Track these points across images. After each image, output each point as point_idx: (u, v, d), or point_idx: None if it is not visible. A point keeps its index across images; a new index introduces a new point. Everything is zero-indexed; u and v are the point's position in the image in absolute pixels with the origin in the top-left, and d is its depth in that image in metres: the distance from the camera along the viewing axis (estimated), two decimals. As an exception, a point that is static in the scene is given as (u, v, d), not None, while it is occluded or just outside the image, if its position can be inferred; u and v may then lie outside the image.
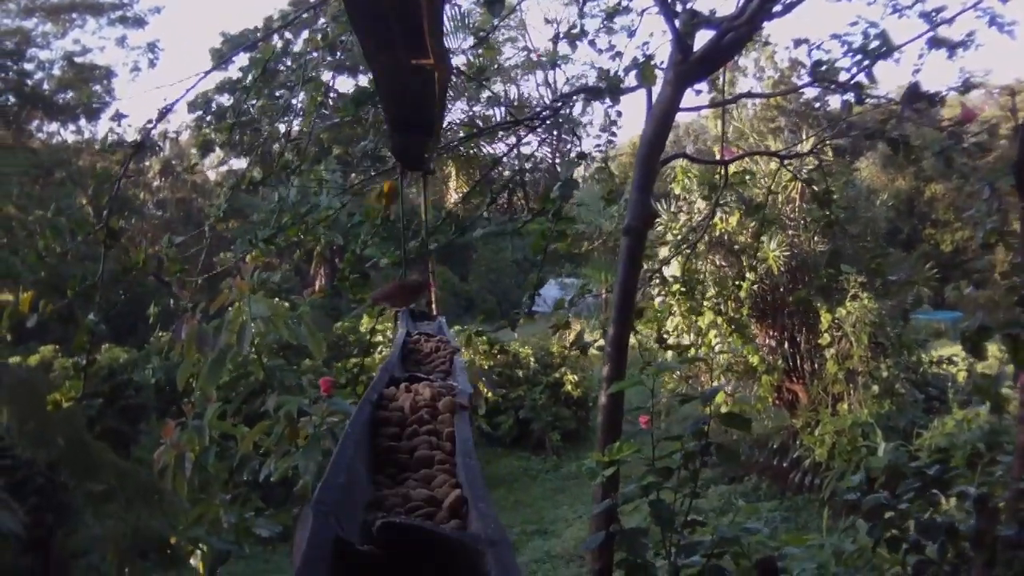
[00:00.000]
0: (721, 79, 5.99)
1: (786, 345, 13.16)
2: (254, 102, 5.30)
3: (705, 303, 9.48)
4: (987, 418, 8.65)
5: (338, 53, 6.04)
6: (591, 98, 4.71)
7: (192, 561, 4.14)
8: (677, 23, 4.43)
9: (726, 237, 12.18)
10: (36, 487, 9.54)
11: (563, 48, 5.37)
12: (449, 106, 15.87)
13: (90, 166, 26.67)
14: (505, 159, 7.34)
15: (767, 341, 13.10)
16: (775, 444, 12.53)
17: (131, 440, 14.08)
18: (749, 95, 13.72)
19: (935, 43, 4.54)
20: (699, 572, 3.35)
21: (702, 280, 9.62)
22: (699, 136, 36.59)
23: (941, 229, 30.61)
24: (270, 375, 4.14)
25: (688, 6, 4.55)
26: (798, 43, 5.04)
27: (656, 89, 4.58)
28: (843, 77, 4.65)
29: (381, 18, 1.91)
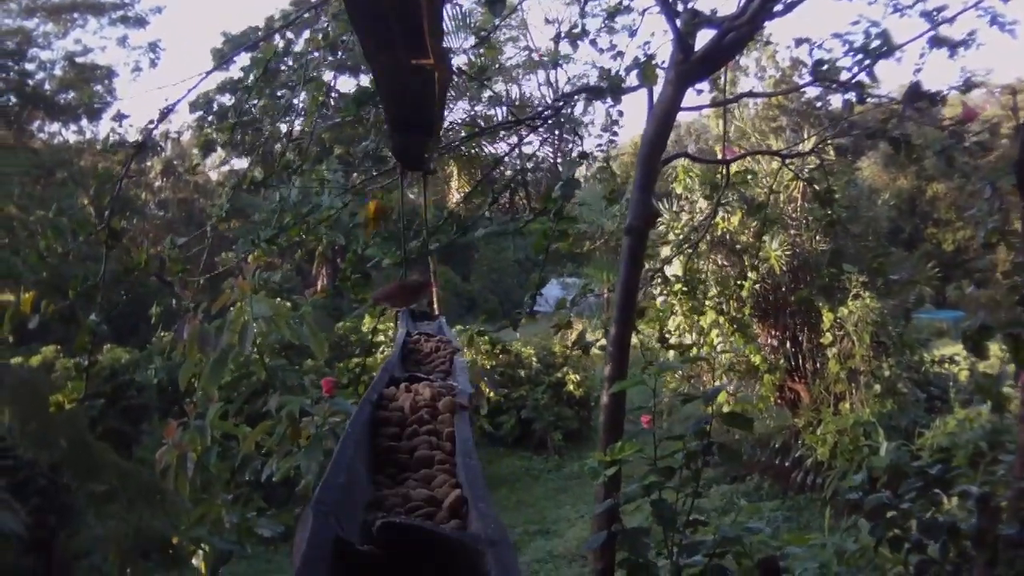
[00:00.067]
0: (722, 78, 5.99)
1: (788, 344, 13.15)
2: (256, 102, 5.30)
3: (707, 303, 9.47)
4: (989, 417, 8.64)
5: (340, 53, 6.03)
6: (592, 98, 4.71)
7: (194, 561, 4.13)
8: (678, 23, 4.43)
9: (728, 236, 12.17)
10: (38, 488, 9.54)
11: (564, 48, 5.36)
12: (451, 106, 15.90)
13: (92, 166, 26.68)
14: (507, 159, 7.33)
15: (769, 340, 13.09)
16: (777, 444, 12.52)
17: (133, 440, 14.09)
18: (751, 94, 13.72)
19: (936, 42, 4.54)
20: (701, 572, 3.35)
21: (704, 280, 9.62)
22: (701, 135, 36.61)
23: (943, 228, 30.63)
24: (272, 375, 4.14)
25: (689, 5, 4.55)
26: (799, 42, 5.04)
27: (657, 89, 4.58)
28: (844, 76, 4.65)
29: (381, 18, 1.91)
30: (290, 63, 5.70)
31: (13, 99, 28.75)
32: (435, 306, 4.01)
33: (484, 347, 15.38)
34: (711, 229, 10.34)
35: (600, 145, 6.08)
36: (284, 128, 6.38)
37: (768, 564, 3.64)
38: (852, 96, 4.65)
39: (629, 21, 5.24)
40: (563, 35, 5.14)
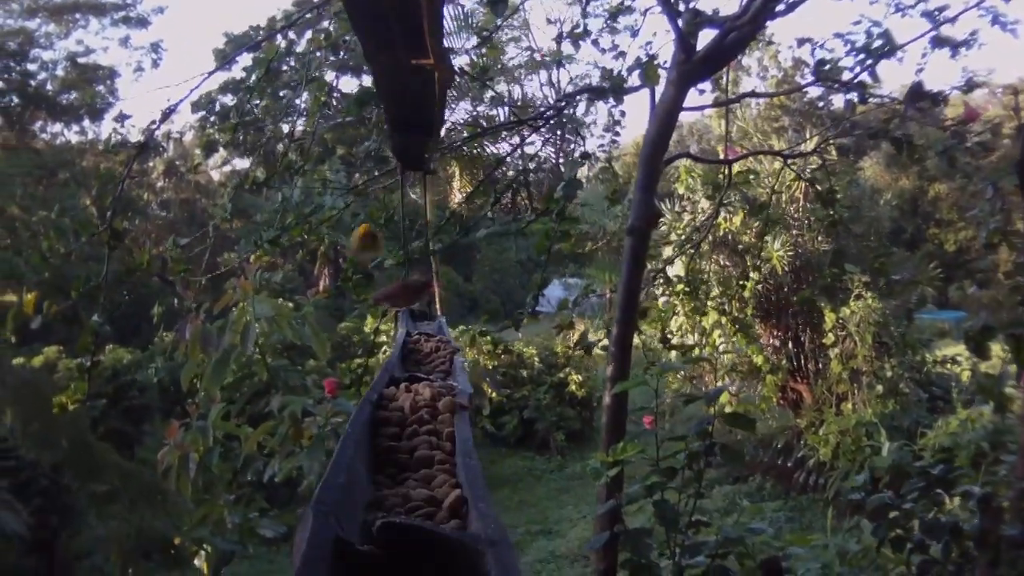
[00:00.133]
0: (724, 78, 5.98)
1: (790, 345, 13.14)
2: (258, 102, 5.29)
3: (709, 303, 9.46)
4: (991, 418, 8.64)
5: (342, 53, 6.03)
6: (594, 98, 4.71)
7: (196, 562, 4.14)
8: (680, 23, 4.43)
9: (730, 237, 12.17)
10: (40, 488, 9.55)
11: (566, 48, 5.35)
12: (453, 106, 15.91)
13: (94, 167, 26.67)
14: (509, 159, 7.35)
15: (771, 341, 13.08)
16: (779, 444, 12.50)
17: (135, 441, 14.12)
18: (752, 94, 13.70)
19: (938, 42, 4.54)
20: (703, 572, 3.35)
21: (706, 280, 9.63)
22: (703, 136, 36.55)
23: (945, 228, 30.59)
24: (274, 375, 4.14)
25: (691, 5, 4.54)
26: (801, 42, 5.04)
27: (659, 89, 4.58)
28: (846, 76, 4.65)
29: (381, 18, 1.90)
30: (292, 63, 5.70)
31: (15, 100, 28.78)
32: (437, 306, 4.01)
33: (486, 347, 15.42)
34: (713, 229, 10.34)
35: (602, 145, 6.10)
36: (286, 128, 6.38)
37: (770, 565, 3.64)
38: (854, 96, 4.65)
39: (631, 21, 5.24)
40: (565, 35, 5.13)
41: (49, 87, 29.71)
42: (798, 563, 5.44)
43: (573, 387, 17.15)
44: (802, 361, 13.11)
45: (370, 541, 1.03)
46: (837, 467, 10.59)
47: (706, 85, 5.31)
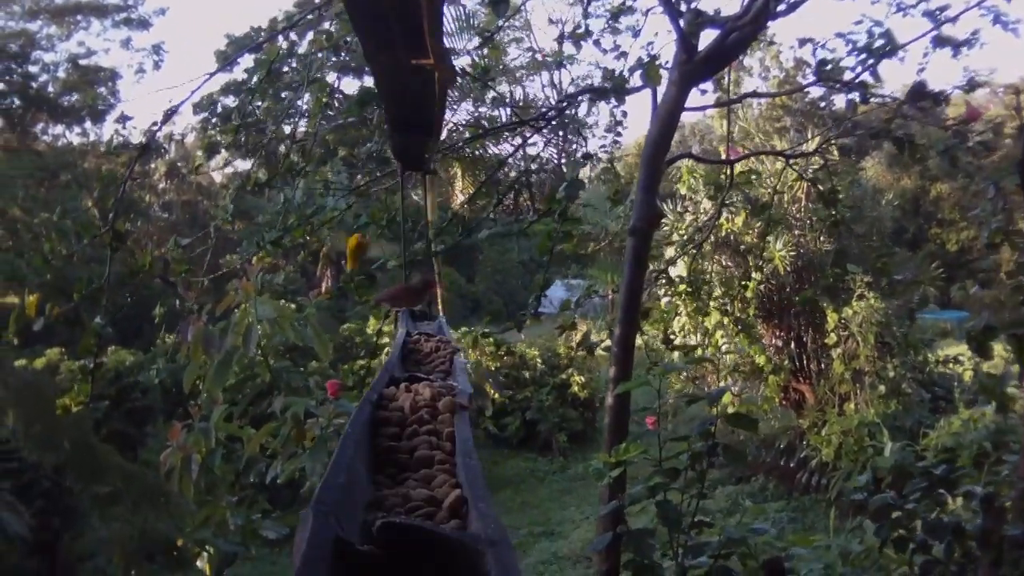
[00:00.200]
0: (726, 79, 5.99)
1: (792, 345, 13.14)
2: (259, 104, 5.30)
3: (711, 303, 9.45)
4: (993, 417, 8.63)
5: (343, 54, 6.04)
6: (596, 98, 4.72)
7: (199, 563, 4.13)
8: (682, 23, 4.43)
9: (732, 237, 12.16)
10: (42, 490, 9.56)
11: (568, 48, 5.36)
12: (455, 107, 15.90)
13: (95, 168, 26.68)
14: (511, 160, 7.36)
15: (773, 341, 13.08)
16: (782, 444, 12.50)
17: (138, 442, 14.11)
18: (754, 95, 13.69)
19: (940, 42, 4.54)
20: (706, 573, 3.35)
21: (708, 280, 9.60)
22: (704, 136, 36.51)
23: (947, 228, 30.56)
24: (276, 377, 4.13)
25: (693, 6, 4.54)
26: (803, 42, 5.05)
27: (661, 89, 4.59)
28: (848, 76, 4.65)
29: (381, 18, 1.91)
30: (294, 64, 5.70)
31: (17, 101, 28.82)
32: (440, 307, 4.01)
33: (489, 348, 15.40)
34: (715, 230, 10.32)
35: (604, 146, 6.10)
36: (288, 130, 6.38)
37: (773, 565, 3.64)
38: (856, 96, 4.65)
39: (633, 21, 5.25)
40: (567, 36, 5.15)
41: (51, 89, 29.74)
42: (801, 563, 5.43)
43: (576, 388, 17.12)
44: (804, 361, 13.11)
45: (370, 541, 1.03)
46: (839, 467, 10.59)
47: (708, 85, 5.32)
